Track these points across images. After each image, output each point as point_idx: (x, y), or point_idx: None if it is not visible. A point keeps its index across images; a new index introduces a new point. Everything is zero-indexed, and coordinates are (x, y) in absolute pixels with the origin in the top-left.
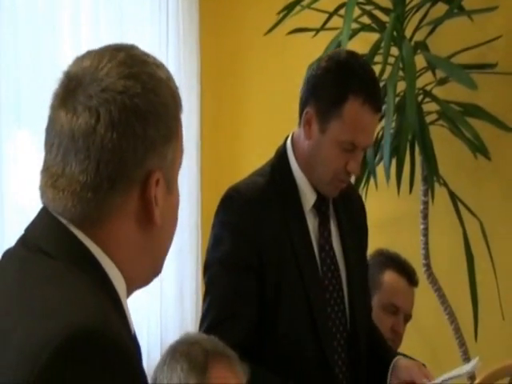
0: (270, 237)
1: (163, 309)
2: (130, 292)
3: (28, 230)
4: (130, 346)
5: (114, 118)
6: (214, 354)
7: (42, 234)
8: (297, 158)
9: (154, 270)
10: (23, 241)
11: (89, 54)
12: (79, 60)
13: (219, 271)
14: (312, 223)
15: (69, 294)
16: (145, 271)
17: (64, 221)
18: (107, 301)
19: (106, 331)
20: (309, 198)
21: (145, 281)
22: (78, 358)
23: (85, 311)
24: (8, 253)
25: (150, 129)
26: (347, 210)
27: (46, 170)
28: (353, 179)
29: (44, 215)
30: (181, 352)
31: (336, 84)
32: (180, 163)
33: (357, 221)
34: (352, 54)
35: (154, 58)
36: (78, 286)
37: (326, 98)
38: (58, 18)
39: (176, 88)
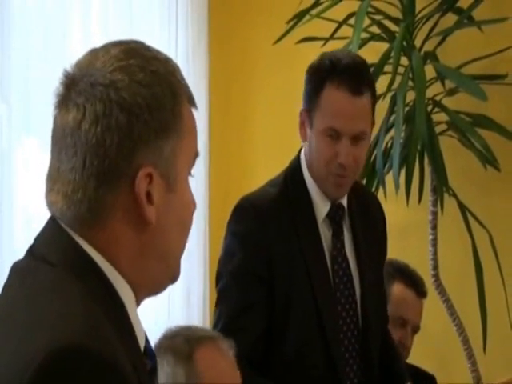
0: (281, 248)
1: (170, 315)
2: (139, 300)
3: (36, 239)
4: (121, 362)
5: (98, 112)
6: (196, 340)
7: (46, 243)
8: (308, 167)
9: (164, 273)
10: (31, 250)
11: (88, 50)
12: (79, 58)
13: (229, 283)
14: (325, 234)
15: (59, 307)
16: (151, 276)
17: (64, 226)
18: (105, 312)
19: (92, 347)
20: (322, 208)
21: (154, 286)
22: (60, 375)
23: (71, 326)
24: (16, 265)
25: (136, 122)
26: (364, 219)
27: (47, 175)
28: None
29: (49, 223)
30: (165, 347)
31: (315, 76)
32: (189, 163)
33: (375, 230)
34: (340, 50)
35: (158, 52)
36: (72, 299)
37: (309, 92)
38: (69, 27)
39: (178, 82)
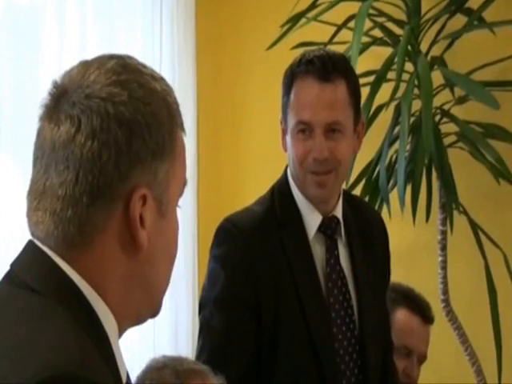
0: (269, 271)
1: (156, 348)
2: (121, 331)
3: (14, 263)
4: None
5: (94, 125)
6: (185, 374)
7: (26, 267)
8: (292, 177)
9: (148, 305)
10: (8, 276)
11: (79, 63)
12: (69, 69)
13: (213, 311)
14: (317, 250)
15: (46, 334)
16: (135, 306)
17: (46, 249)
18: (92, 341)
19: (83, 374)
20: (312, 222)
21: (137, 317)
22: None
23: (61, 353)
24: None
25: (135, 140)
26: (365, 237)
27: (30, 191)
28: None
29: (29, 246)
30: (151, 379)
31: (286, 76)
32: (179, 191)
33: (376, 250)
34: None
35: (152, 70)
36: (58, 326)
37: (282, 97)
38: (42, 37)
39: (175, 104)
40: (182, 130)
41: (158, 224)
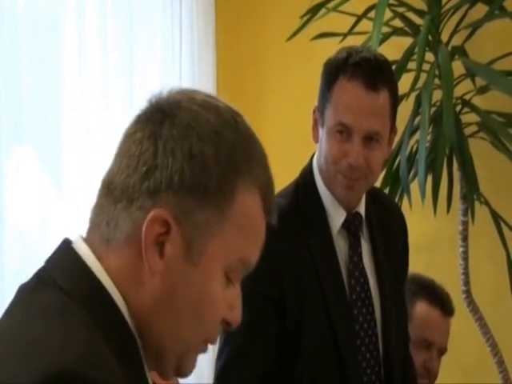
0: (291, 265)
1: None
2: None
3: (47, 261)
4: None
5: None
6: None
7: (57, 266)
8: (319, 172)
9: (174, 350)
10: (38, 273)
11: (178, 89)
12: (167, 92)
13: None
14: (341, 246)
15: (56, 333)
16: (160, 339)
17: (84, 246)
18: (116, 343)
19: (85, 372)
20: (336, 218)
21: (158, 350)
22: None
23: (71, 352)
24: (23, 286)
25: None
26: (384, 230)
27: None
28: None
29: (63, 244)
30: None
31: (329, 69)
32: (228, 261)
33: (396, 241)
34: (361, 46)
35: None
36: (71, 325)
37: (322, 87)
38: (62, 32)
39: (247, 163)
40: (266, 213)
41: (185, 268)
